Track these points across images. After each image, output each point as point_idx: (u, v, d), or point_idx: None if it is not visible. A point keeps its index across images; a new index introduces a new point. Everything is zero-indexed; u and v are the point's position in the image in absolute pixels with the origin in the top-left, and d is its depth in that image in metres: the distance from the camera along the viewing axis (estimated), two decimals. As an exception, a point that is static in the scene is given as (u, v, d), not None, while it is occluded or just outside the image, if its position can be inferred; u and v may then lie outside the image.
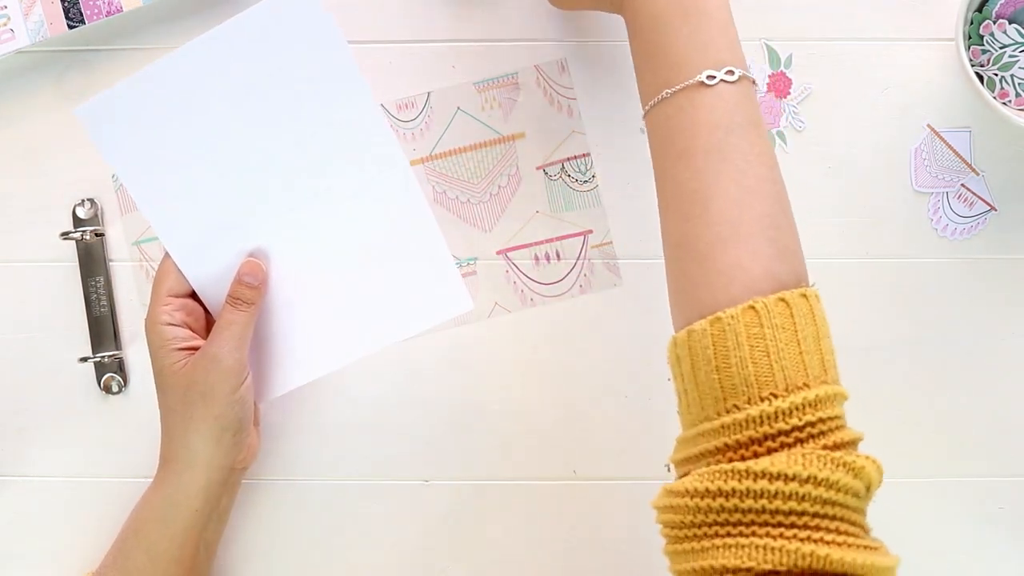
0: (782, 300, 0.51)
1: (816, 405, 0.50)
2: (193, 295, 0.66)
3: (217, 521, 0.68)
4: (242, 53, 0.62)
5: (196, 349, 0.65)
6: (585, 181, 0.73)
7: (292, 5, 0.62)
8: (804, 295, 0.53)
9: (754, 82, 0.57)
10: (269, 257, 0.66)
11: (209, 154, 0.64)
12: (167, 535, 0.65)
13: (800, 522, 0.48)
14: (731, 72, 0.55)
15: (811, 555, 0.47)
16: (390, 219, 0.66)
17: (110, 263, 0.73)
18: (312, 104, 0.64)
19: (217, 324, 0.64)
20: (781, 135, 0.72)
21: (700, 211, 0.54)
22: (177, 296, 0.66)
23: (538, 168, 0.73)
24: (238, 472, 0.69)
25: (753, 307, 0.51)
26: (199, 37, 0.62)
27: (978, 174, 0.72)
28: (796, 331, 0.51)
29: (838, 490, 0.48)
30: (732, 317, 0.51)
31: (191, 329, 0.66)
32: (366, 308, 0.67)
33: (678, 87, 0.56)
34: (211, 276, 0.66)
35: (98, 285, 0.73)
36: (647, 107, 0.58)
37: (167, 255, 0.66)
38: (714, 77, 0.55)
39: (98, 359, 0.73)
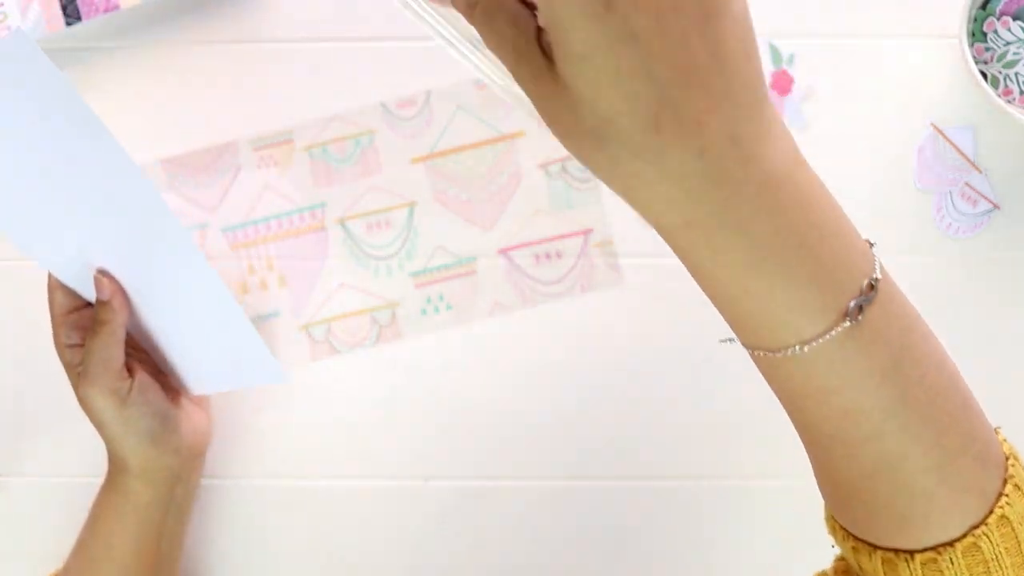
0: (1003, 518, 0.46)
1: None
2: (89, 304, 0.67)
3: (177, 512, 0.68)
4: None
5: None
6: (586, 179, 0.72)
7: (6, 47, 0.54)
8: (1018, 486, 0.47)
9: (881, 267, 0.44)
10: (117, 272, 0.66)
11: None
12: (122, 528, 0.66)
13: None
14: (872, 286, 0.42)
15: None
16: (186, 294, 0.65)
17: (108, 262, 0.73)
18: (52, 151, 0.59)
19: (86, 345, 0.65)
20: (783, 133, 0.71)
21: (888, 470, 0.45)
22: (71, 311, 0.67)
23: (539, 166, 0.72)
24: (190, 460, 0.69)
25: (977, 544, 0.45)
26: None
27: (982, 172, 0.72)
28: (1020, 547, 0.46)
29: None
30: (951, 561, 0.45)
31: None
32: (185, 355, 0.68)
33: (812, 345, 0.42)
34: (84, 294, 0.67)
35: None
36: (758, 354, 0.43)
37: (49, 276, 0.67)
38: (860, 309, 0.42)
39: (96, 359, 0.73)
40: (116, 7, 0.70)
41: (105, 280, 0.65)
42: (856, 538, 0.48)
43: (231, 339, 0.66)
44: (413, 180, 0.72)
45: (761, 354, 0.43)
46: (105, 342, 0.64)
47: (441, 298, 0.73)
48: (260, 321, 0.73)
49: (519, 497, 0.73)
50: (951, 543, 0.46)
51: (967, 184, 0.72)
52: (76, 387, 0.66)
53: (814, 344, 0.42)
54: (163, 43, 0.72)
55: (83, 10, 0.70)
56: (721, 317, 0.44)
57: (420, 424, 0.73)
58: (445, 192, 0.72)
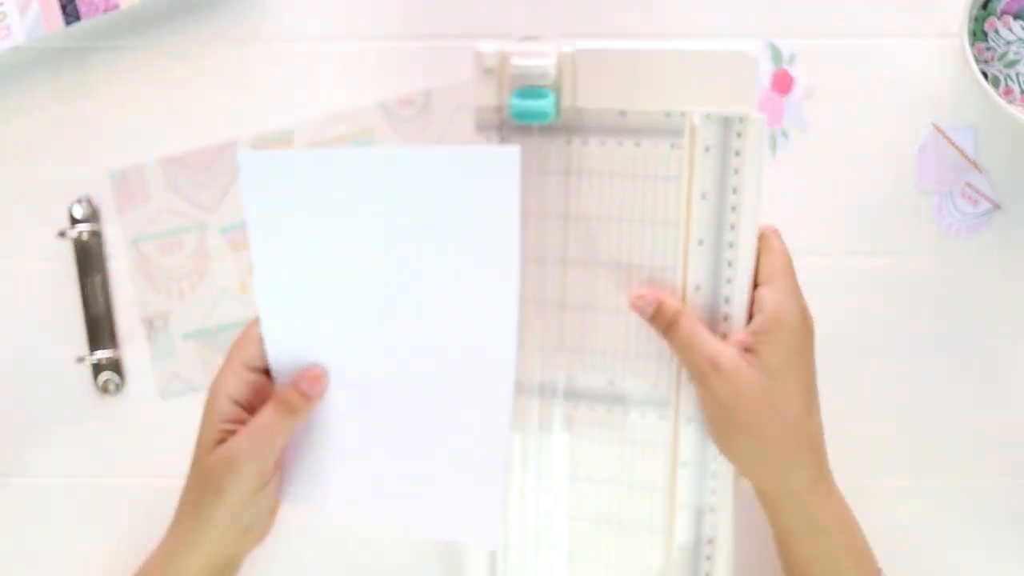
0: None
1: None
2: (266, 372, 0.62)
3: None
4: (421, 178, 0.60)
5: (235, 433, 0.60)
6: (586, 179, 0.72)
7: (494, 158, 0.59)
8: None
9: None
10: (342, 372, 0.62)
11: (336, 251, 0.61)
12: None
13: None
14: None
15: None
16: (462, 414, 0.62)
17: (107, 262, 0.73)
18: (454, 250, 0.60)
19: (255, 421, 0.60)
20: (784, 133, 0.71)
21: None
22: (251, 369, 0.62)
23: (538, 166, 0.72)
24: (243, 554, 0.65)
25: None
26: (390, 148, 0.64)
27: (982, 172, 0.72)
28: None
29: None
30: None
31: (248, 410, 0.61)
32: (397, 479, 0.63)
33: None
34: (288, 363, 0.62)
35: (95, 284, 0.72)
36: None
37: (255, 322, 0.62)
38: None
39: (95, 359, 0.72)
40: (116, 7, 0.70)
41: (322, 378, 0.62)
42: None
43: (470, 482, 0.62)
44: (413, 180, 0.72)
45: None
46: (285, 429, 0.60)
47: (441, 298, 0.72)
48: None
49: (519, 497, 0.73)
50: None
51: (968, 184, 0.72)
52: (215, 441, 0.60)
53: None
54: (163, 43, 0.72)
55: (82, 9, 0.70)
56: None
57: (420, 424, 0.73)
58: (445, 192, 0.72)
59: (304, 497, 0.64)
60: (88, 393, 0.73)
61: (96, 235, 0.72)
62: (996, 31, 0.69)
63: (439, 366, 0.62)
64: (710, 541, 0.64)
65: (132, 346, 0.73)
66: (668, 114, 0.61)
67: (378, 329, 0.62)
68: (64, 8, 0.70)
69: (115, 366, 0.73)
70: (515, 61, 0.61)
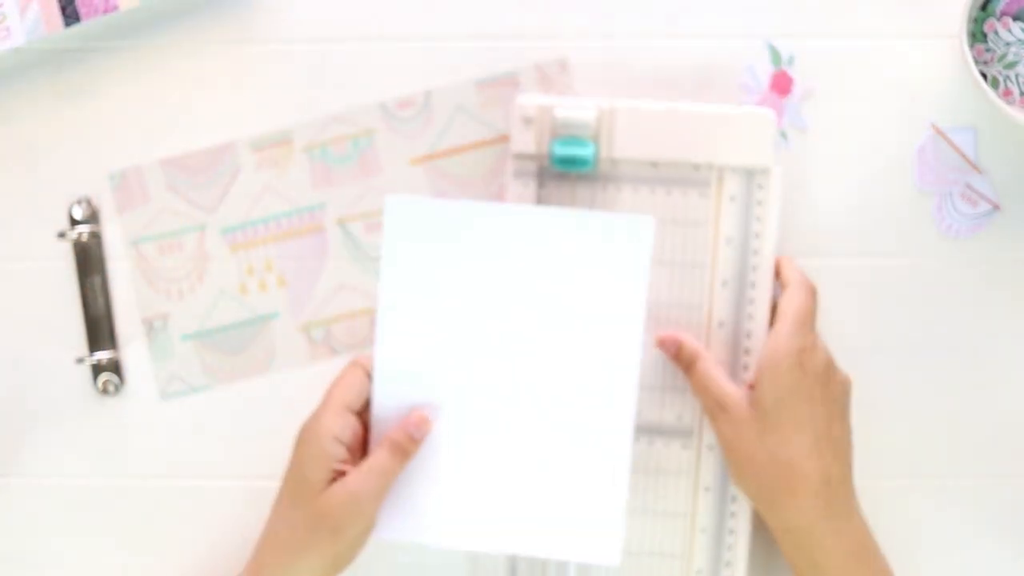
0: None
1: None
2: (359, 413, 0.65)
3: None
4: (556, 239, 0.65)
5: (344, 473, 0.63)
6: (586, 180, 0.73)
7: (630, 225, 0.64)
8: None
9: None
10: (446, 411, 0.66)
11: (462, 299, 0.65)
12: None
13: None
14: None
15: None
16: (584, 442, 0.65)
17: (107, 263, 0.73)
18: (581, 312, 0.65)
19: (371, 462, 0.63)
20: (783, 135, 0.71)
21: None
22: (351, 412, 0.64)
23: (538, 167, 0.73)
24: None
25: None
26: (529, 207, 0.68)
27: (982, 173, 0.72)
28: None
29: None
30: None
31: (351, 451, 0.64)
32: (510, 504, 0.66)
33: None
34: (391, 406, 0.66)
35: (95, 285, 0.72)
36: None
37: (354, 365, 0.66)
38: None
39: (95, 360, 0.72)
40: (115, 8, 0.70)
41: (428, 422, 0.65)
42: None
43: (592, 501, 0.65)
44: (413, 181, 0.72)
45: None
46: (399, 469, 0.63)
47: (441, 299, 0.73)
48: (259, 322, 0.73)
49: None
50: None
51: (967, 185, 0.72)
52: (326, 481, 0.62)
53: None
54: (162, 44, 0.72)
55: (82, 11, 0.70)
56: None
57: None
58: (445, 193, 0.72)
59: (401, 529, 0.66)
60: (88, 394, 0.73)
61: (96, 236, 0.72)
62: (996, 32, 0.69)
63: (558, 397, 0.65)
64: (728, 564, 0.68)
65: (132, 347, 0.73)
66: (696, 167, 0.69)
67: (491, 368, 0.65)
68: (64, 9, 0.70)
69: (115, 367, 0.73)
70: (559, 113, 0.68)
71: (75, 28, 0.70)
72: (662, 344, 0.67)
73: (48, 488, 0.73)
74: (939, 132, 0.72)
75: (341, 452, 0.63)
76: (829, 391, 0.63)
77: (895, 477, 0.72)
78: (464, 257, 0.65)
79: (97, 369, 0.73)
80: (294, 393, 0.73)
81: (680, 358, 0.67)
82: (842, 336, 0.71)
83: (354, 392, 0.65)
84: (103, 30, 0.72)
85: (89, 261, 0.72)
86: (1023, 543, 0.73)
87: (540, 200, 0.70)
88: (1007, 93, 0.69)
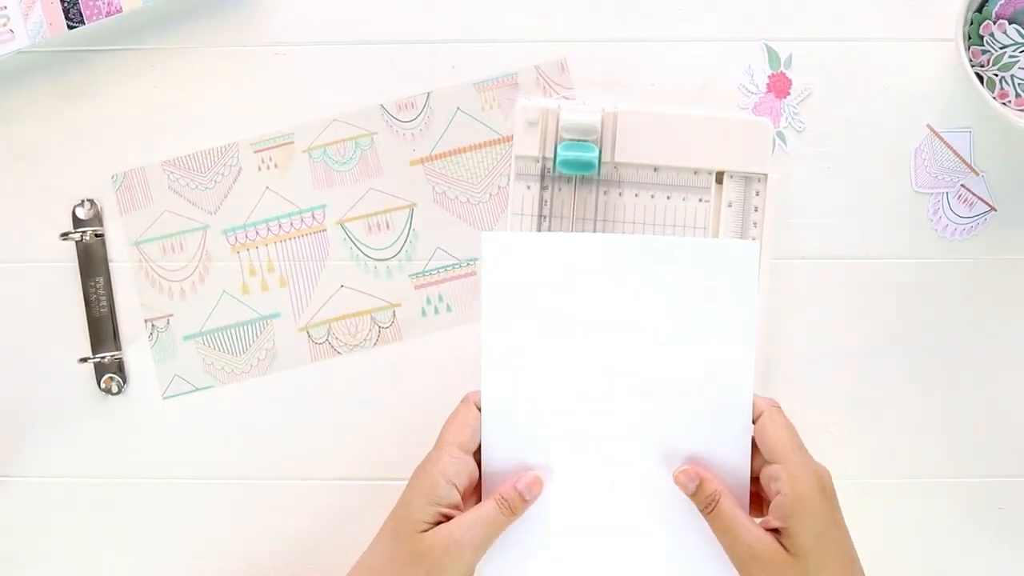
0: None
1: None
2: (472, 455, 0.64)
3: None
4: (659, 268, 0.62)
5: (452, 517, 0.62)
6: (585, 181, 0.73)
7: (734, 251, 0.62)
8: None
9: None
10: (558, 467, 0.64)
11: (568, 335, 0.63)
12: None
13: None
14: None
15: None
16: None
17: (110, 264, 0.73)
18: (690, 340, 0.63)
19: (478, 513, 0.62)
20: (781, 136, 0.72)
21: None
22: (465, 452, 0.63)
23: (538, 168, 0.73)
24: None
25: None
26: (631, 236, 0.67)
27: (978, 174, 0.72)
28: None
29: None
30: None
31: (464, 494, 0.63)
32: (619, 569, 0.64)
33: None
34: (502, 450, 0.64)
35: (98, 286, 0.73)
36: None
37: (467, 402, 0.64)
38: None
39: (98, 360, 0.73)
40: (118, 10, 0.70)
41: (540, 483, 0.63)
42: None
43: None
44: (413, 182, 0.73)
45: None
46: (505, 527, 0.62)
47: (441, 299, 0.73)
48: (261, 322, 0.73)
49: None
50: None
51: (963, 186, 0.72)
52: (431, 522, 0.61)
53: None
54: (164, 46, 0.72)
55: (86, 13, 0.70)
56: None
57: (420, 424, 0.73)
58: (445, 194, 0.73)
59: None
60: (90, 394, 0.73)
61: (99, 237, 0.73)
62: (991, 35, 0.69)
63: (671, 443, 0.63)
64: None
65: (134, 347, 0.73)
66: (696, 172, 0.70)
67: (603, 411, 0.63)
68: (67, 12, 0.70)
69: (117, 367, 0.73)
70: (565, 116, 0.69)
71: (78, 30, 0.70)
72: (680, 479, 0.63)
73: (50, 487, 0.74)
74: (935, 134, 0.72)
75: (452, 496, 0.62)
76: (839, 512, 0.61)
77: (895, 477, 0.72)
78: (566, 291, 0.63)
79: (100, 369, 0.73)
80: (295, 393, 0.73)
81: (699, 496, 0.62)
82: (839, 337, 0.71)
83: (468, 432, 0.63)
84: (106, 32, 0.72)
85: (92, 262, 0.73)
86: (1023, 543, 0.73)
87: (542, 201, 0.70)
88: (1003, 95, 0.69)
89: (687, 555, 0.63)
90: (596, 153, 0.69)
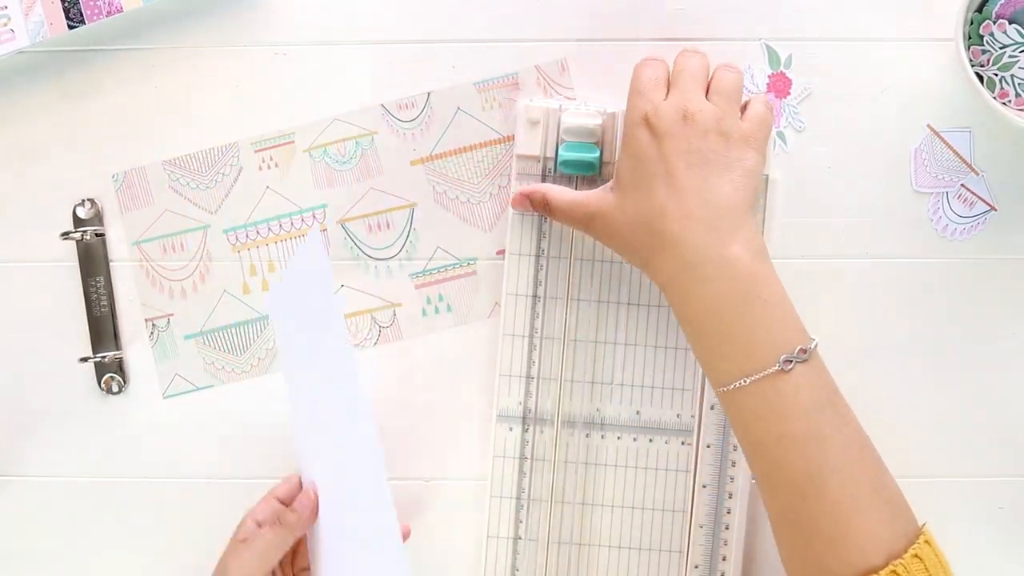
0: (916, 556, 0.57)
1: None
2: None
3: None
4: (295, 289, 0.66)
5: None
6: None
7: (304, 249, 0.66)
8: (927, 542, 0.59)
9: (817, 345, 0.60)
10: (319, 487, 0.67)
11: (290, 374, 0.68)
12: None
13: None
14: (804, 351, 0.59)
15: None
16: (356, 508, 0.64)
17: (110, 263, 0.73)
18: (309, 347, 0.65)
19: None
20: (781, 135, 0.72)
21: (816, 491, 0.58)
22: (282, 500, 0.66)
23: (538, 168, 0.73)
24: None
25: (896, 571, 0.57)
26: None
27: (978, 174, 0.72)
28: None
29: None
30: None
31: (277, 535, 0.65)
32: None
33: (755, 377, 0.59)
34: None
35: (98, 285, 0.73)
36: (722, 390, 0.61)
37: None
38: (790, 362, 0.59)
39: (98, 359, 0.73)
40: (119, 10, 0.70)
41: (310, 496, 0.66)
42: None
43: (377, 555, 0.64)
44: (413, 181, 0.73)
45: (722, 390, 0.61)
46: (275, 542, 0.65)
47: (441, 299, 0.73)
48: (261, 322, 0.73)
49: (518, 497, 0.73)
50: (875, 571, 0.57)
51: (963, 186, 0.72)
52: (226, 554, 0.65)
53: (754, 377, 0.59)
54: (165, 45, 0.72)
55: (86, 13, 0.70)
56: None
57: (420, 424, 0.73)
58: (445, 194, 0.73)
59: None
60: (91, 393, 0.73)
61: (99, 236, 0.73)
62: (991, 35, 0.69)
63: (334, 464, 0.66)
64: (724, 558, 0.70)
65: (135, 346, 0.73)
66: None
67: (312, 446, 0.67)
68: (67, 12, 0.70)
69: (118, 366, 0.73)
70: (566, 119, 0.69)
71: (79, 30, 0.70)
72: (516, 206, 0.69)
73: (51, 487, 0.74)
74: (935, 133, 0.72)
75: (247, 526, 0.65)
76: (689, 144, 0.61)
77: (895, 477, 0.73)
78: (291, 328, 0.67)
79: (100, 368, 0.73)
80: (296, 392, 0.73)
81: (536, 204, 0.68)
82: (839, 336, 0.71)
83: (284, 485, 0.67)
84: (107, 32, 0.72)
85: (93, 261, 0.73)
86: (1023, 543, 0.73)
87: (543, 220, 0.71)
88: (1003, 95, 0.69)
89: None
90: (598, 154, 0.69)
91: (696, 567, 0.70)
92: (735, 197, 0.61)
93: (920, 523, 0.61)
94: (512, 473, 0.71)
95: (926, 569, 0.57)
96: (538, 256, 0.71)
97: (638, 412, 0.71)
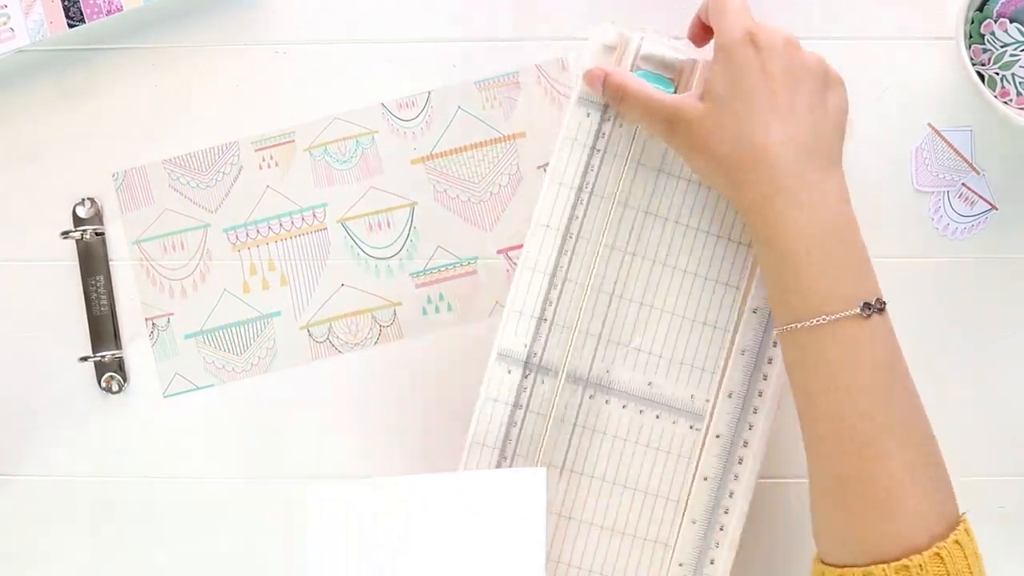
0: (956, 543, 0.54)
1: None
2: None
3: None
4: (456, 504, 0.63)
5: None
6: (585, 180, 0.73)
7: (523, 478, 0.62)
8: (967, 531, 0.56)
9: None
10: None
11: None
12: None
13: None
14: (882, 302, 0.57)
15: None
16: None
17: (110, 262, 0.73)
18: (481, 571, 0.63)
19: None
20: (782, 134, 0.72)
21: (874, 453, 0.55)
22: None
23: (539, 167, 0.73)
24: None
25: (939, 554, 0.54)
26: (437, 477, 0.64)
27: (979, 173, 0.72)
28: (972, 573, 0.55)
29: None
30: (920, 567, 0.53)
31: None
32: None
33: (834, 317, 0.56)
34: None
35: (98, 284, 0.73)
36: (793, 326, 0.57)
37: None
38: (870, 308, 0.56)
39: (98, 358, 0.73)
40: (119, 9, 0.70)
41: None
42: (839, 567, 0.56)
43: None
44: (414, 181, 0.73)
45: (790, 328, 0.57)
46: None
47: (441, 298, 0.73)
48: (261, 321, 0.73)
49: (519, 496, 0.73)
50: (918, 551, 0.54)
51: (964, 185, 0.72)
52: None
53: (834, 317, 0.56)
54: (165, 44, 0.72)
55: (86, 12, 0.70)
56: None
57: (420, 424, 0.73)
58: (445, 193, 0.73)
59: None
60: (91, 392, 0.73)
61: (99, 235, 0.73)
62: (992, 34, 0.69)
63: None
64: (712, 562, 0.64)
65: (135, 346, 0.73)
66: None
67: None
68: (67, 11, 0.70)
69: (118, 366, 0.73)
70: (648, 46, 0.64)
71: (79, 29, 0.70)
72: (588, 79, 0.63)
73: (51, 486, 0.74)
74: (936, 132, 0.72)
75: None
76: (791, 65, 0.59)
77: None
78: (381, 535, 0.63)
79: (100, 367, 0.73)
80: (296, 392, 0.73)
81: (608, 87, 0.62)
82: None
83: None
84: (107, 31, 0.72)
85: (93, 260, 0.73)
86: (1023, 543, 0.73)
87: (599, 134, 0.65)
88: (1004, 93, 0.69)
89: None
90: (672, 91, 0.64)
91: (680, 565, 0.64)
92: (835, 133, 0.59)
93: (961, 511, 0.58)
94: (501, 419, 0.64)
95: (965, 558, 0.54)
96: (580, 189, 0.64)
97: (650, 383, 0.65)
